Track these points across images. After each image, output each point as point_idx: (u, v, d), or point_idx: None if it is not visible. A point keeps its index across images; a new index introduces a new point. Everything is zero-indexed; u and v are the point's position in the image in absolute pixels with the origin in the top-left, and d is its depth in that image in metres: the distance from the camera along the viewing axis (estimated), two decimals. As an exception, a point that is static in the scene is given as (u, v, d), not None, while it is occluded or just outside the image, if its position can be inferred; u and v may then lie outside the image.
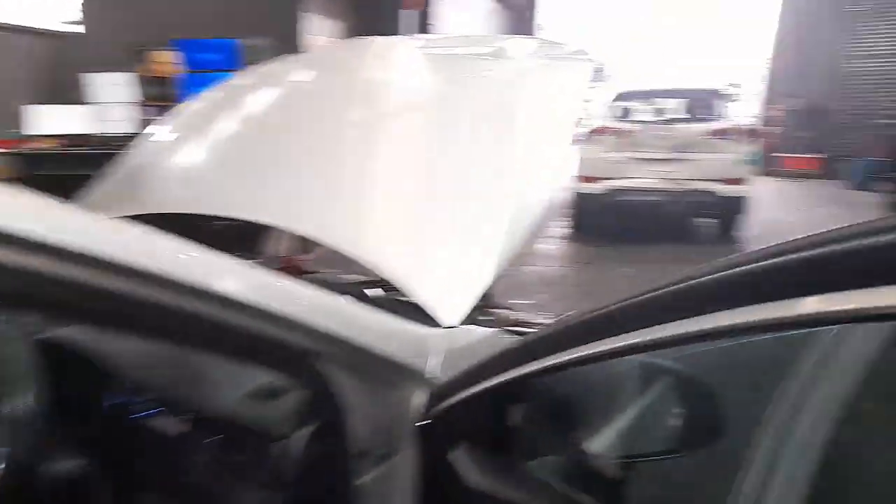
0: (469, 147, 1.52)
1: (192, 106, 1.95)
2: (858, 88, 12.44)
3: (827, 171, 11.94)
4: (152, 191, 1.57)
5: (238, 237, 1.85)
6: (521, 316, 1.61)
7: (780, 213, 8.19)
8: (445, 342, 1.04)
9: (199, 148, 1.70)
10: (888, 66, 12.20)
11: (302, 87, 1.83)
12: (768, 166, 11.42)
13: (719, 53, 14.56)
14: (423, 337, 1.05)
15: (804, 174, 12.04)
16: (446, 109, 1.59)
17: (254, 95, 1.85)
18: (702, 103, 7.13)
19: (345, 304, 0.99)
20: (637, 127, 6.90)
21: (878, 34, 12.33)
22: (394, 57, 1.93)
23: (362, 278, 1.68)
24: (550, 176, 1.63)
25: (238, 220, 1.42)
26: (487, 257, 1.27)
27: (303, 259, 2.10)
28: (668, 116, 7.20)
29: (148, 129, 1.90)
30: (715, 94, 7.28)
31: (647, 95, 7.57)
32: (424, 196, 1.40)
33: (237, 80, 2.09)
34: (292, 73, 1.93)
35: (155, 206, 1.45)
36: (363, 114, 1.61)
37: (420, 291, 1.19)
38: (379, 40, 2.02)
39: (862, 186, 10.41)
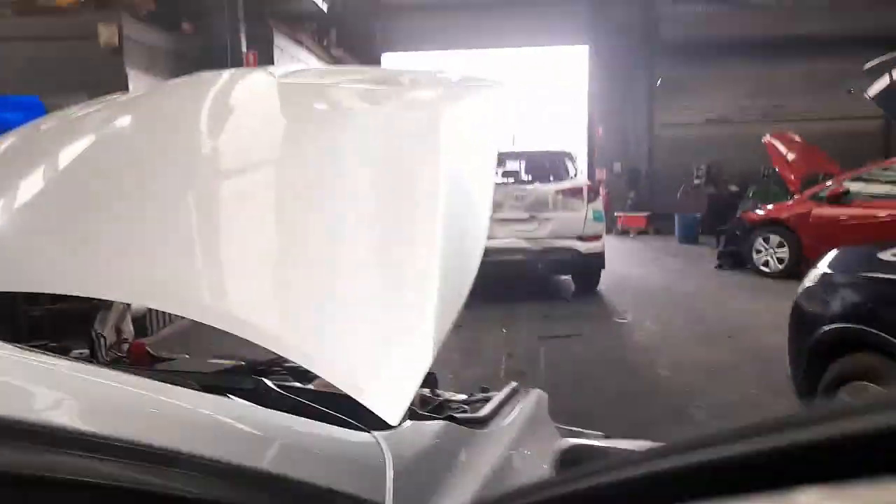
0: (378, 193, 1.23)
1: None
2: (667, 152, 13.92)
3: (653, 226, 13.06)
4: None
5: (58, 323, 1.42)
6: (438, 394, 1.33)
7: (626, 267, 8.67)
8: (392, 451, 0.81)
9: None
10: (689, 133, 13.83)
11: (131, 131, 1.46)
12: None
13: (547, 117, 15.51)
14: (361, 448, 0.80)
15: (634, 230, 13.07)
16: (339, 149, 1.29)
17: (62, 143, 1.44)
18: (549, 165, 7.44)
19: (234, 407, 0.76)
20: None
21: (678, 105, 13.97)
22: (258, 90, 1.61)
23: (231, 363, 1.33)
24: (479, 220, 1.36)
25: (59, 302, 1.00)
26: (423, 325, 0.96)
27: (145, 343, 1.65)
28: (522, 178, 7.40)
29: None
30: (561, 155, 7.63)
31: (498, 158, 7.73)
32: (328, 255, 1.09)
33: (35, 126, 1.62)
34: (114, 114, 1.54)
35: None
36: (222, 159, 1.30)
37: (345, 376, 0.87)
38: (230, 72, 1.70)
39: (686, 240, 11.49)
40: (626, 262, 9.10)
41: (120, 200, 1.16)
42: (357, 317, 0.98)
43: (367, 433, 0.83)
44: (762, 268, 7.91)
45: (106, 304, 1.52)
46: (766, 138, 8.83)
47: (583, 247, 6.63)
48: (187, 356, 1.58)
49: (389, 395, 0.84)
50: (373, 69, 2.11)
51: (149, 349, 1.55)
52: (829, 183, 7.72)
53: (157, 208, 1.11)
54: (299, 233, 1.10)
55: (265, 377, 1.11)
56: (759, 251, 7.96)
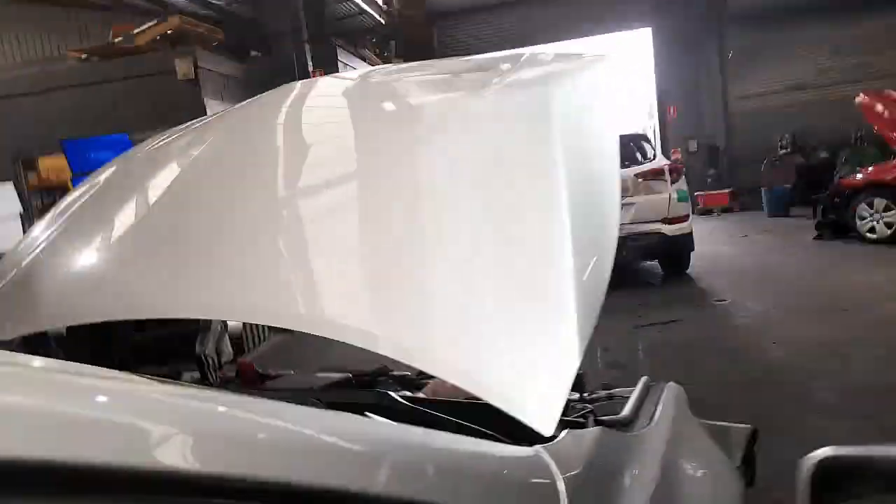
0: (501, 187, 1.13)
1: (76, 195, 1.46)
2: (746, 125, 13.25)
3: (737, 203, 12.47)
4: (45, 302, 1.16)
5: (163, 347, 1.48)
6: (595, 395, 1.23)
7: (716, 247, 8.29)
8: (556, 465, 0.72)
9: (95, 241, 1.26)
10: (767, 103, 13.12)
11: (220, 150, 1.41)
12: (687, 205, 11.81)
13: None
14: (524, 464, 0.71)
15: (717, 209, 12.52)
16: (452, 144, 1.19)
17: (152, 171, 1.42)
18: (628, 148, 7.18)
19: (382, 428, 0.70)
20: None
21: (753, 76, 13.28)
22: (348, 94, 1.55)
23: (340, 376, 1.29)
24: (610, 204, 1.28)
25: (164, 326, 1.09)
26: (566, 327, 0.89)
27: (249, 361, 1.61)
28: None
29: (30, 233, 1.42)
30: (636, 138, 7.38)
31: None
32: (461, 263, 1.01)
33: (126, 157, 1.62)
34: (201, 136, 1.50)
35: (52, 320, 1.14)
36: (323, 169, 1.23)
37: (492, 388, 0.81)
38: (311, 81, 1.66)
39: (777, 213, 10.90)
40: (715, 242, 8.70)
41: (220, 218, 1.11)
42: (497, 326, 0.91)
43: (527, 447, 0.75)
44: (868, 234, 7.37)
45: (205, 326, 1.50)
46: (860, 97, 8.23)
47: (669, 229, 6.37)
48: (293, 372, 1.56)
49: (540, 405, 0.78)
50: (462, 59, 1.99)
51: (257, 368, 1.53)
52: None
53: (267, 222, 1.07)
54: (428, 242, 1.03)
55: (373, 388, 1.06)
56: (863, 217, 7.42)
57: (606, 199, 1.27)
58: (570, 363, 0.84)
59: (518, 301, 0.94)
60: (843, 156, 10.38)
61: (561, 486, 0.69)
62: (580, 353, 0.85)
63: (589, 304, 0.94)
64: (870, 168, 7.79)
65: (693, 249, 6.67)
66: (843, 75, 12.51)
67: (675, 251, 6.60)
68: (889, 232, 7.19)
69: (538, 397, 0.80)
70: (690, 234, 6.52)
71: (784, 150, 11.97)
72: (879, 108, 7.97)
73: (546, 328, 0.91)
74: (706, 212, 12.50)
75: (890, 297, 4.92)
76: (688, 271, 6.82)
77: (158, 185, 1.35)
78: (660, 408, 1.24)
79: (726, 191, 12.78)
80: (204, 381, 1.41)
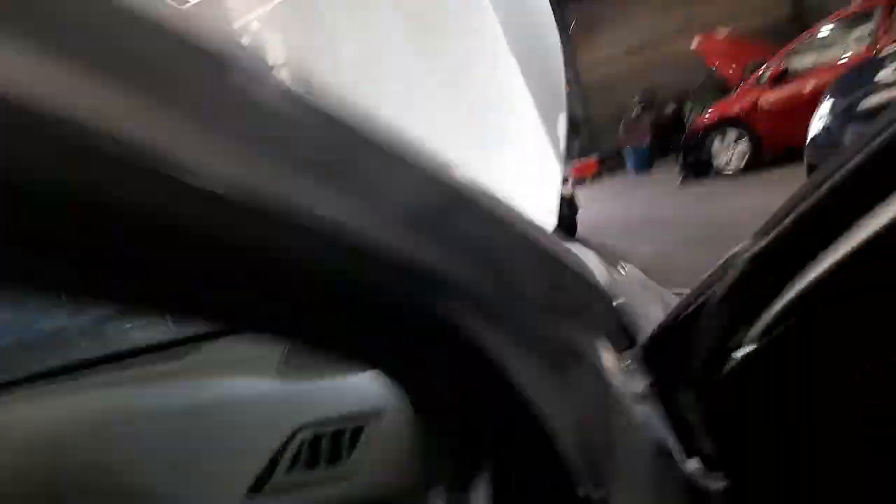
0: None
1: None
2: (600, 94, 13.93)
3: (605, 168, 13.05)
4: None
5: None
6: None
7: (597, 209, 8.57)
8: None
9: None
10: (614, 68, 13.86)
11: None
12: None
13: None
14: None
15: (588, 177, 13.05)
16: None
17: None
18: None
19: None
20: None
21: (595, 45, 13.98)
22: None
23: None
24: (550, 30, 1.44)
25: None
26: (546, 147, 1.07)
27: None
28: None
29: None
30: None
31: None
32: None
33: None
34: None
35: None
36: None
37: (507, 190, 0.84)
38: None
39: (642, 169, 11.52)
40: (595, 205, 8.99)
41: None
42: (492, 146, 1.07)
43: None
44: (726, 168, 7.88)
45: None
46: (696, 42, 8.81)
47: (552, 193, 6.47)
48: None
49: (540, 205, 0.94)
50: None
51: None
52: (763, 70, 7.72)
53: None
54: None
55: None
56: (718, 153, 7.92)
57: (544, 29, 1.39)
58: (555, 172, 1.06)
59: (510, 137, 1.08)
60: (689, 104, 11.12)
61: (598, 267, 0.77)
62: (562, 159, 1.06)
63: (554, 117, 1.09)
64: (715, 106, 8.34)
65: (578, 209, 6.82)
66: (675, 30, 13.42)
67: (563, 214, 6.70)
68: (743, 163, 7.71)
69: (537, 199, 0.97)
70: (573, 194, 6.66)
71: (636, 111, 12.65)
72: (715, 48, 8.57)
73: (531, 146, 1.06)
74: (578, 181, 12.97)
75: (761, 216, 5.25)
76: (575, 230, 6.96)
77: None
78: (623, 274, 1.30)
79: (593, 158, 13.34)
80: None
